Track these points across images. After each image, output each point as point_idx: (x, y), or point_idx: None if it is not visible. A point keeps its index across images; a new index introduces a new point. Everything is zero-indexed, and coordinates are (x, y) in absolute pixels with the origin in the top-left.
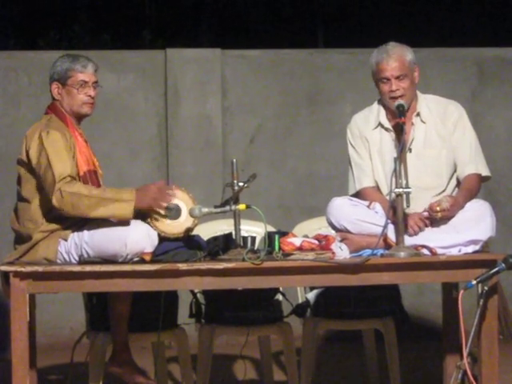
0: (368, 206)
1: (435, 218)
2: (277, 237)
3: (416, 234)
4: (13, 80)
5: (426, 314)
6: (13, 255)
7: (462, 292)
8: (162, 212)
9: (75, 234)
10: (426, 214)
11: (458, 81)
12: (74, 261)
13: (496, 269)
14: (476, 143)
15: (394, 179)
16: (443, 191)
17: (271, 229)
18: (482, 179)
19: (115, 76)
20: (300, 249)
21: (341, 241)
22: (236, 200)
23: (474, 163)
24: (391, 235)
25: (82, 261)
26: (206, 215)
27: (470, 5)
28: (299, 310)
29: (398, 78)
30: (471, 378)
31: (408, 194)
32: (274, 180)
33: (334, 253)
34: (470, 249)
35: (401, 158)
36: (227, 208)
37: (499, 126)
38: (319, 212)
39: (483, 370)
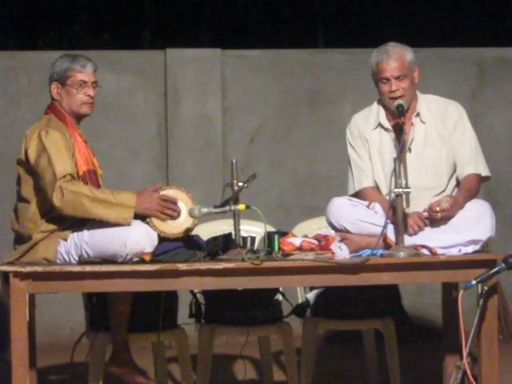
0: (368, 206)
1: (435, 218)
2: (276, 237)
3: (416, 233)
4: (13, 80)
5: (426, 313)
6: (13, 255)
7: (461, 292)
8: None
9: (75, 234)
10: (425, 214)
11: (457, 81)
12: (73, 261)
13: (496, 269)
14: (476, 143)
15: (393, 179)
16: (443, 191)
17: (271, 229)
18: (481, 179)
19: (115, 76)
20: (300, 249)
21: (340, 241)
22: (236, 200)
23: (474, 163)
24: (391, 235)
25: (82, 261)
26: (205, 215)
27: (469, 5)
28: (299, 310)
29: (397, 78)
30: (471, 378)
31: (408, 194)
32: (273, 180)
33: (333, 253)
34: (470, 249)
35: (400, 158)
36: (227, 208)
37: (499, 126)
38: (319, 212)
39: (483, 369)
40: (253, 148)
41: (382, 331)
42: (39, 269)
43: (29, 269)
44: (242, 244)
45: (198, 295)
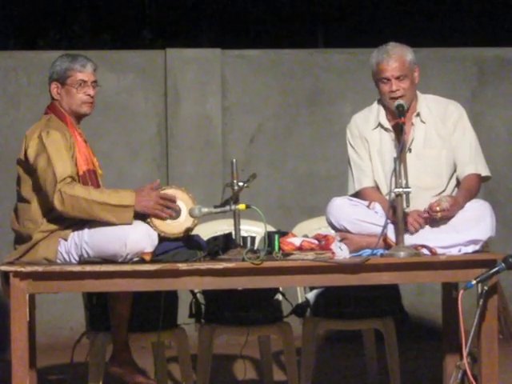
0: (368, 206)
1: (435, 218)
2: (277, 237)
3: (416, 230)
4: (13, 80)
5: (426, 313)
6: (13, 255)
7: (461, 292)
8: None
9: (75, 233)
10: (426, 215)
11: (457, 81)
12: (74, 261)
13: (496, 269)
14: (476, 143)
15: (393, 179)
16: (443, 191)
17: (271, 229)
18: (481, 179)
19: (115, 76)
20: (300, 249)
21: (340, 241)
22: (236, 200)
23: (474, 163)
24: (391, 235)
25: (82, 261)
26: (205, 215)
27: (469, 5)
28: (299, 309)
29: (398, 78)
30: (471, 378)
31: (408, 193)
32: (273, 180)
33: (333, 253)
34: (470, 249)
35: (401, 157)
36: (227, 208)
37: (499, 126)
38: (319, 212)
39: (483, 369)
40: (253, 148)
41: (382, 331)
42: (39, 269)
43: (29, 269)
44: (242, 244)
45: (198, 295)
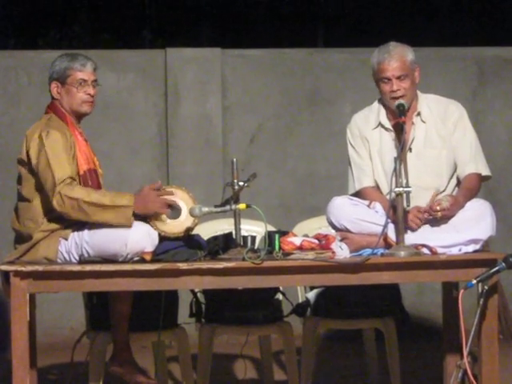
0: (368, 206)
1: (436, 218)
2: (277, 236)
3: (418, 226)
4: (13, 79)
5: (427, 313)
6: (13, 255)
7: (462, 291)
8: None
9: (76, 233)
10: (426, 214)
11: (458, 81)
12: (74, 260)
13: (496, 268)
14: (476, 143)
15: (394, 178)
16: (443, 191)
17: (271, 228)
18: (482, 179)
19: (115, 76)
20: (300, 248)
21: (341, 240)
22: (236, 199)
23: (475, 163)
24: (391, 234)
25: (83, 260)
26: (206, 215)
27: (469, 5)
28: (299, 309)
29: (399, 78)
30: (471, 378)
31: (408, 193)
32: (274, 179)
33: (334, 252)
34: (471, 248)
35: (401, 157)
36: (227, 207)
37: (499, 125)
38: (319, 211)
39: (483, 369)
40: (253, 148)
41: (382, 331)
42: (40, 268)
43: (29, 268)
44: (242, 243)
45: (199, 295)
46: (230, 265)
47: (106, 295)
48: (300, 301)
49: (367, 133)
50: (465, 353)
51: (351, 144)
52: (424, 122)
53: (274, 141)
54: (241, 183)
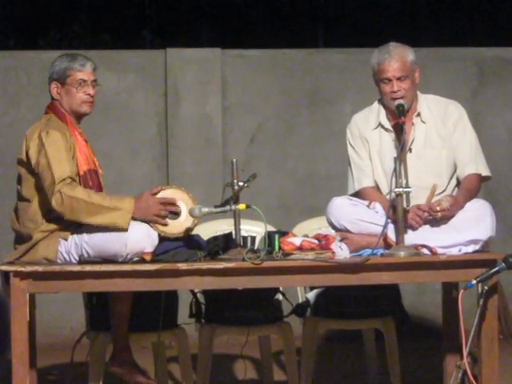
0: (368, 206)
1: (435, 218)
2: (277, 236)
3: (418, 224)
4: (13, 80)
5: (426, 313)
6: (13, 255)
7: (462, 292)
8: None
9: (75, 233)
10: (426, 214)
11: (458, 81)
12: (74, 260)
13: (496, 268)
14: (476, 143)
15: (394, 179)
16: (443, 191)
17: (271, 228)
18: (482, 179)
19: (115, 76)
20: (300, 248)
21: (341, 240)
22: (236, 200)
23: (474, 163)
24: (391, 235)
25: (82, 260)
26: (206, 215)
27: (469, 5)
28: (299, 309)
29: (399, 78)
30: (471, 378)
31: (408, 193)
32: (274, 180)
33: (333, 252)
34: (470, 248)
35: (401, 157)
36: (227, 208)
37: (499, 125)
38: (319, 212)
39: (483, 369)
40: (253, 148)
41: (382, 331)
42: (39, 268)
43: (29, 268)
44: (242, 244)
45: (199, 295)
46: (230, 265)
47: (105, 295)
48: (300, 301)
49: (367, 133)
50: (465, 353)
51: (351, 144)
52: (424, 122)
53: (274, 141)
54: (241, 183)
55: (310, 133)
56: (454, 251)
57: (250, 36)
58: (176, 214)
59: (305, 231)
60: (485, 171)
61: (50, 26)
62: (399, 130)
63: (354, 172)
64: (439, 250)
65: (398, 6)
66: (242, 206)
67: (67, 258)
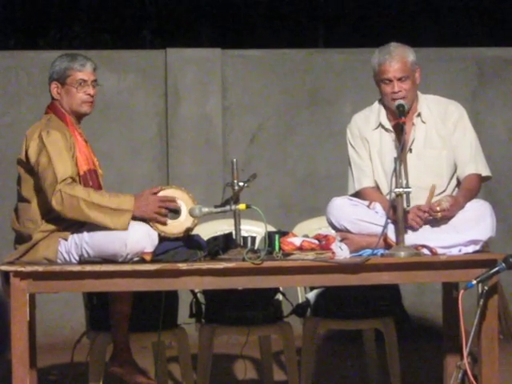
0: (368, 206)
1: (435, 218)
2: (277, 237)
3: (419, 225)
4: (13, 80)
5: (427, 313)
6: (13, 255)
7: (462, 292)
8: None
9: (75, 233)
10: (426, 214)
11: (458, 81)
12: (74, 260)
13: (496, 269)
14: (476, 143)
15: (394, 179)
16: (443, 191)
17: (271, 229)
18: (482, 179)
19: (115, 76)
20: (300, 249)
21: (341, 240)
22: (236, 200)
23: (475, 163)
24: (391, 235)
25: (83, 260)
26: (206, 215)
27: (469, 5)
28: (299, 309)
29: (400, 79)
30: (471, 378)
31: (408, 193)
32: (274, 180)
33: (334, 253)
34: (471, 249)
35: (401, 157)
36: (227, 208)
37: (499, 126)
38: (319, 212)
39: (483, 369)
40: (253, 148)
41: (382, 331)
42: (39, 268)
43: (29, 268)
44: (242, 244)
45: (199, 295)
46: (230, 265)
47: (106, 295)
48: (300, 301)
49: (367, 133)
50: (465, 353)
51: (351, 144)
52: (424, 122)
53: (273, 141)
54: (241, 183)
55: (310, 133)
56: (454, 251)
57: (250, 36)
58: (176, 214)
59: (305, 231)
60: (485, 171)
61: (50, 26)
62: (399, 130)
63: (354, 172)
64: (439, 250)
65: (398, 6)
66: (242, 206)
67: (67, 258)
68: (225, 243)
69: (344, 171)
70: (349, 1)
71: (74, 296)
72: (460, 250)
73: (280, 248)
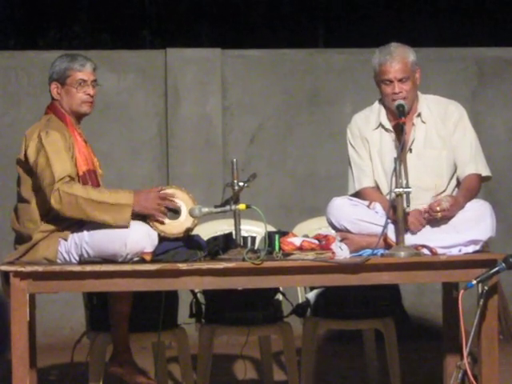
0: (368, 206)
1: (435, 218)
2: (277, 237)
3: (418, 229)
4: (13, 80)
5: (427, 313)
6: (13, 255)
7: (462, 292)
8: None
9: (75, 233)
10: (426, 215)
11: (458, 81)
12: (74, 261)
13: (496, 269)
14: (476, 143)
15: (394, 179)
16: (443, 191)
17: (271, 229)
18: (482, 179)
19: (115, 76)
20: (300, 249)
21: (341, 241)
22: (236, 200)
23: (474, 163)
24: (391, 235)
25: (82, 261)
26: (206, 215)
27: (469, 5)
28: (299, 309)
29: (400, 80)
30: (471, 378)
31: (408, 193)
32: (274, 180)
33: (334, 253)
34: (470, 249)
35: (401, 157)
36: (227, 208)
37: (499, 126)
38: (319, 212)
39: (483, 370)
40: (253, 148)
41: (382, 331)
42: (39, 268)
43: (29, 268)
44: (242, 244)
45: (199, 295)
46: (230, 265)
47: (105, 296)
48: (300, 301)
49: (367, 133)
50: (465, 353)
51: (351, 144)
52: (424, 122)
53: (273, 141)
54: (241, 183)
55: (310, 133)
56: (454, 251)
57: (250, 36)
58: (176, 213)
59: (305, 231)
60: (485, 171)
61: (50, 26)
62: (399, 131)
63: (355, 172)
64: (439, 251)
65: (398, 6)
66: (242, 206)
67: (67, 258)
68: (225, 243)
69: (344, 171)
70: (349, 1)
71: (74, 296)
72: (460, 250)
73: (280, 248)
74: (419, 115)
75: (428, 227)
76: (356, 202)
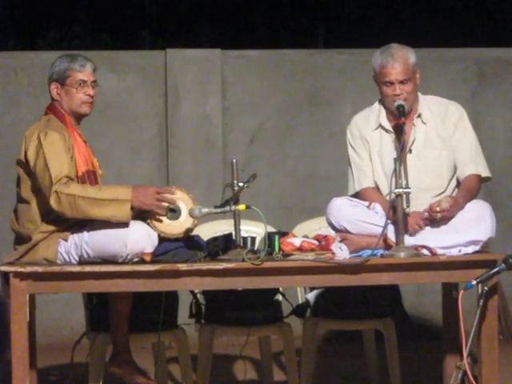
0: (368, 207)
1: (435, 219)
2: (277, 237)
3: (417, 232)
4: (13, 80)
5: (426, 314)
6: (13, 256)
7: (462, 292)
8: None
9: (75, 234)
10: (426, 214)
11: (458, 81)
12: (74, 261)
13: (496, 269)
14: (476, 144)
15: (394, 179)
16: (443, 192)
17: (271, 229)
18: (482, 180)
19: (115, 76)
20: (300, 249)
21: (341, 241)
22: (236, 200)
23: (474, 164)
24: (391, 235)
25: (82, 261)
26: (205, 215)
27: (470, 5)
28: (299, 310)
29: (401, 82)
30: (471, 378)
31: (408, 194)
32: (274, 180)
33: (333, 253)
34: (470, 249)
35: (401, 158)
36: (227, 208)
37: (499, 126)
38: (319, 212)
39: (483, 370)
40: (253, 148)
41: (382, 331)
42: (39, 269)
43: (29, 269)
44: (242, 244)
45: (199, 295)
46: (230, 266)
47: (105, 296)
48: (300, 302)
49: (367, 134)
50: (465, 353)
51: (351, 145)
52: (424, 123)
53: (274, 141)
54: (241, 184)
55: (309, 133)
56: (454, 252)
57: (250, 36)
58: (175, 213)
59: (305, 232)
60: (485, 172)
61: (50, 26)
62: (399, 131)
63: (354, 172)
64: (439, 251)
65: (398, 6)
66: (241, 207)
67: (67, 259)
68: (225, 244)
69: (344, 171)
70: (349, 1)
71: (74, 296)
72: (460, 251)
73: (280, 248)
74: (419, 116)
75: (428, 228)
76: (356, 203)
